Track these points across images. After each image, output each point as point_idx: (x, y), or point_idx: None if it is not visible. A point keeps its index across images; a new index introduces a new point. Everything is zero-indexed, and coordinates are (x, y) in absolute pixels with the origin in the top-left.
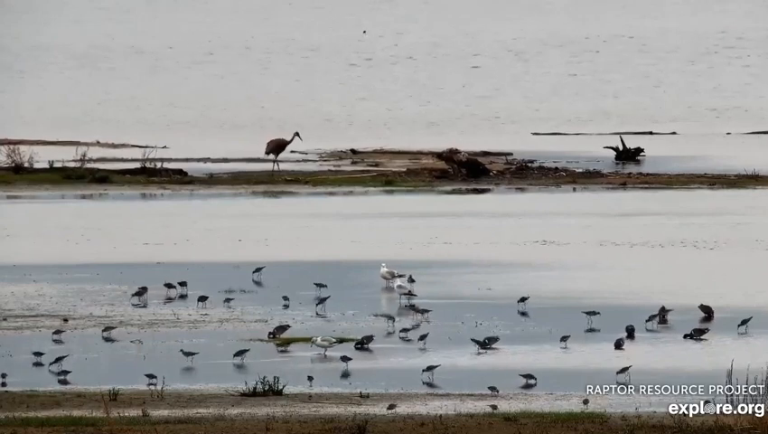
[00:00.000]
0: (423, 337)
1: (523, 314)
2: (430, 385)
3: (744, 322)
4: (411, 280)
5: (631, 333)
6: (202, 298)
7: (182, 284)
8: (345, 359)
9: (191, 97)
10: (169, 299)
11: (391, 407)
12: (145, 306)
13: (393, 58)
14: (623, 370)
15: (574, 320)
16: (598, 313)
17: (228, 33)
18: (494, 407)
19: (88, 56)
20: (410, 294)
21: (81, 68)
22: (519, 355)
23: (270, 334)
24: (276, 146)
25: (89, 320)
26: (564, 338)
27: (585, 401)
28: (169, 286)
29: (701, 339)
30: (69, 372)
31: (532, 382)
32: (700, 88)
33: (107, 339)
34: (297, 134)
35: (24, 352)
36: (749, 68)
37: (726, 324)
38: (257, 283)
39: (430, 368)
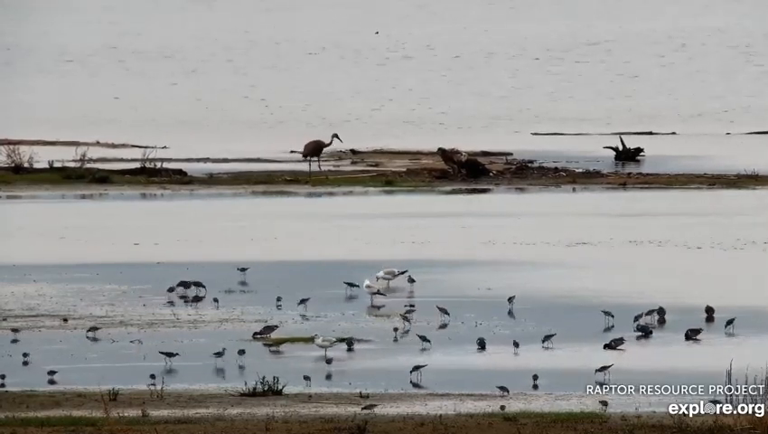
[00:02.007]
0: (424, 338)
1: (511, 313)
2: (417, 385)
3: (729, 322)
4: (411, 280)
5: (644, 330)
6: (197, 298)
7: (198, 284)
8: (329, 361)
9: (192, 97)
10: (189, 298)
11: (368, 407)
12: (188, 302)
13: (400, 58)
14: (603, 368)
15: (574, 320)
16: (612, 315)
17: (233, 33)
18: (503, 407)
19: (90, 56)
20: (378, 293)
21: (82, 68)
22: (519, 355)
23: (256, 334)
24: (315, 148)
25: (90, 320)
26: (547, 337)
27: (605, 403)
28: (185, 285)
29: (696, 339)
30: (56, 372)
31: (538, 382)
32: (701, 87)
33: (93, 339)
34: (336, 135)
35: (25, 352)
36: (751, 67)
37: (725, 324)
38: (257, 283)
39: (417, 368)
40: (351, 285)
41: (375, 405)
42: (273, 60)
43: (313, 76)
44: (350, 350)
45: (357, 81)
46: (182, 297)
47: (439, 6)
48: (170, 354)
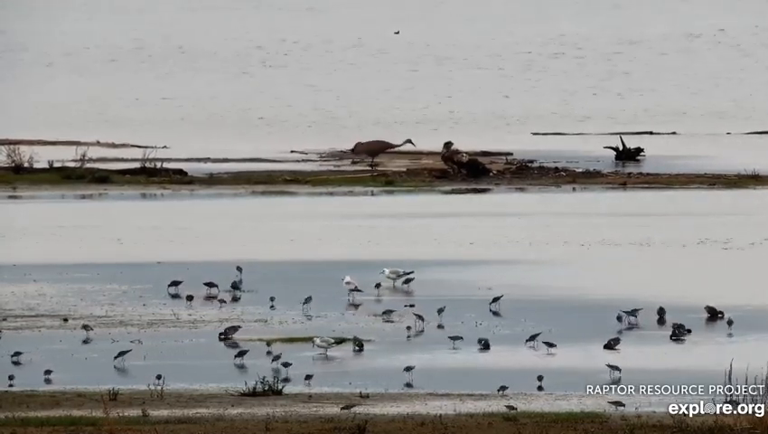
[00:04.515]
0: (456, 338)
1: (497, 313)
2: (410, 385)
3: (729, 322)
4: (407, 281)
5: (671, 328)
6: (189, 298)
7: (235, 286)
8: (286, 365)
9: (193, 96)
10: (210, 298)
11: (347, 407)
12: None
13: (407, 58)
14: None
15: (573, 320)
16: (636, 315)
17: (240, 33)
18: (512, 407)
19: (91, 56)
20: (357, 289)
21: (83, 67)
22: (518, 355)
23: (221, 334)
24: (380, 148)
25: (90, 320)
26: (532, 337)
27: (618, 403)
28: (210, 285)
29: (682, 339)
30: (50, 371)
31: (542, 383)
32: (701, 87)
33: (86, 340)
34: (410, 140)
35: (24, 352)
36: (748, 67)
37: (726, 324)
38: (258, 283)
39: (408, 369)
40: (378, 286)
41: (354, 405)
42: (285, 60)
43: (327, 76)
44: (360, 350)
45: (368, 81)
46: (210, 297)
47: (453, 6)
48: (122, 353)
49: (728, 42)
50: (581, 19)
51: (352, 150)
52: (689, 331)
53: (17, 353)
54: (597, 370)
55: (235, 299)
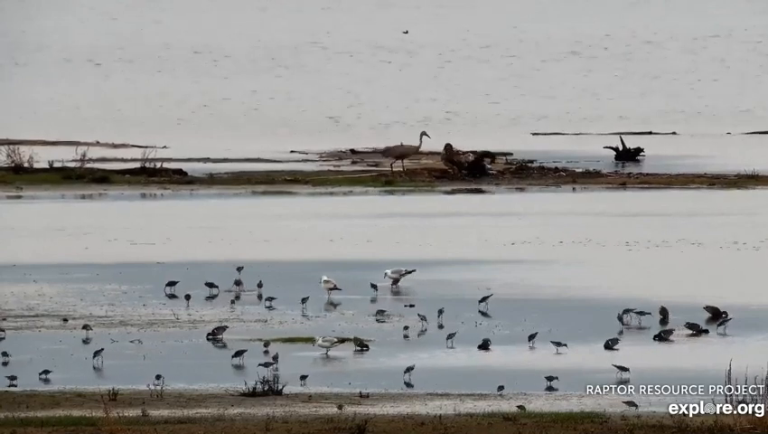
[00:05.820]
0: (452, 336)
1: (484, 313)
2: (410, 385)
3: (727, 321)
4: (395, 282)
5: (695, 328)
6: (188, 297)
7: (259, 285)
8: (267, 365)
9: (193, 96)
10: (211, 298)
11: (339, 408)
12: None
13: (410, 58)
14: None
15: (573, 320)
16: (649, 313)
17: (241, 32)
18: (522, 407)
19: (90, 55)
20: (335, 288)
21: (82, 67)
22: (519, 355)
23: (209, 334)
24: (409, 152)
25: (90, 320)
26: (531, 337)
27: (630, 403)
28: (210, 285)
29: (669, 340)
30: (49, 371)
31: (554, 383)
32: (701, 87)
33: (86, 340)
34: (424, 132)
35: (24, 352)
36: (748, 67)
37: (726, 324)
38: (256, 282)
39: (408, 370)
40: (374, 287)
41: (344, 405)
42: (290, 60)
43: (331, 76)
44: (366, 349)
45: (374, 81)
46: (259, 296)
47: (460, 6)
48: (97, 352)
49: (730, 42)
50: (582, 19)
51: (383, 153)
52: (707, 331)
53: (5, 354)
54: (597, 370)
55: (237, 298)
